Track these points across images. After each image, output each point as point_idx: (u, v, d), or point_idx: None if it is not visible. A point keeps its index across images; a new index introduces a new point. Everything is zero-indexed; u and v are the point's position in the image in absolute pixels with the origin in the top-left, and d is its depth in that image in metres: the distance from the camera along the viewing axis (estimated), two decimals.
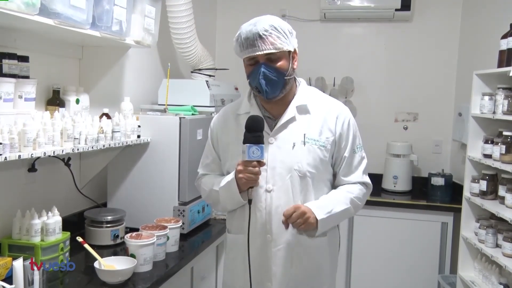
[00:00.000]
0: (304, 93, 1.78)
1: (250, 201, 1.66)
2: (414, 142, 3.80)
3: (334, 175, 1.82)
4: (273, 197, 1.71)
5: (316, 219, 1.67)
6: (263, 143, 1.61)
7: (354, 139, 1.79)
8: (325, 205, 1.71)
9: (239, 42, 1.65)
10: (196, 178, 1.97)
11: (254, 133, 1.60)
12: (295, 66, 1.71)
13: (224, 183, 1.74)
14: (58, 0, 1.66)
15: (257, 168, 1.62)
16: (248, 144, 1.59)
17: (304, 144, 1.71)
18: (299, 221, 1.65)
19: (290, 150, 1.71)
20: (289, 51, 1.67)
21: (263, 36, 1.60)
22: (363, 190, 1.80)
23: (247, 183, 1.64)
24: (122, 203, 2.45)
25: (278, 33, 1.62)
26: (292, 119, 1.74)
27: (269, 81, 1.63)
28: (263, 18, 1.65)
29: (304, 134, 1.72)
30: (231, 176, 1.71)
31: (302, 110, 1.75)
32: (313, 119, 1.74)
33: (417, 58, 3.88)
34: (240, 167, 1.64)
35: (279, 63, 1.64)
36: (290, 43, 1.66)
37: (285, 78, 1.67)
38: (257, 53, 1.61)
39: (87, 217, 2.26)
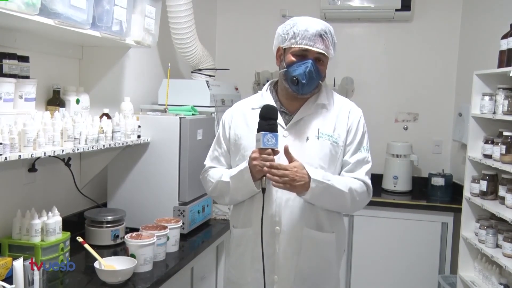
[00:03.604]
0: (323, 92, 1.83)
1: (263, 190, 1.65)
2: (414, 142, 3.80)
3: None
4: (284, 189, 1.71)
5: (309, 177, 1.62)
6: (277, 132, 1.63)
7: (362, 137, 1.81)
8: (325, 174, 1.69)
9: (294, 30, 1.69)
10: (202, 171, 1.95)
11: (269, 121, 1.62)
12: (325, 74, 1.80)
13: (236, 172, 1.74)
14: (58, 0, 1.66)
15: (271, 156, 1.62)
16: (263, 132, 1.61)
17: (318, 138, 1.74)
18: (287, 173, 1.60)
19: (303, 144, 1.74)
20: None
21: (324, 36, 1.69)
22: (363, 187, 1.77)
23: (261, 171, 1.63)
24: (122, 203, 2.45)
25: (332, 40, 1.73)
26: (308, 115, 1.77)
27: (311, 78, 1.70)
28: (321, 20, 1.72)
29: (318, 129, 1.75)
30: (243, 165, 1.71)
31: (319, 106, 1.80)
32: (328, 115, 1.79)
33: (417, 58, 3.88)
34: (254, 155, 1.64)
35: (322, 66, 1.73)
36: (333, 54, 1.75)
37: (320, 81, 1.75)
38: (314, 49, 1.67)
39: (87, 217, 2.26)
